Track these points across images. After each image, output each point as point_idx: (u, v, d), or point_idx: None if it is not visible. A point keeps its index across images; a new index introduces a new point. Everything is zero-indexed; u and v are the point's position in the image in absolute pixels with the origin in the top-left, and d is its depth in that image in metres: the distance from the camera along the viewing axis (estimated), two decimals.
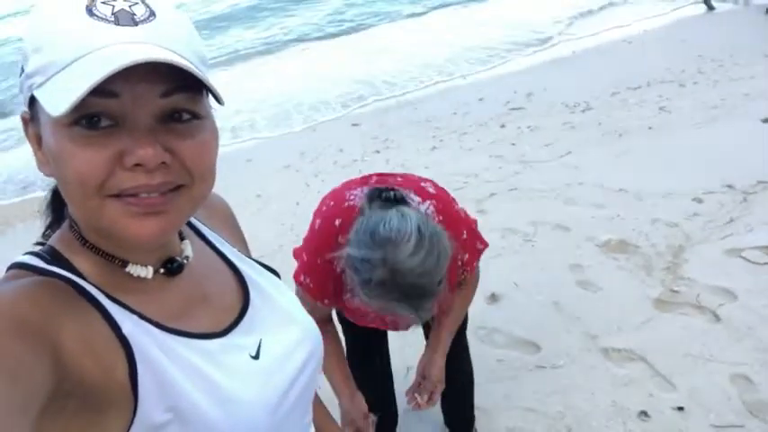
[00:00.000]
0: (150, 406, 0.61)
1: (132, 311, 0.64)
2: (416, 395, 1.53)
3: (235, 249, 0.82)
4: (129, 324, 0.63)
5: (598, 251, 3.06)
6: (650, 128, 4.39)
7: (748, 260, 2.79)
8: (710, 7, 6.71)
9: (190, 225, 0.80)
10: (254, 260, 0.84)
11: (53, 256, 0.65)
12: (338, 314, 1.72)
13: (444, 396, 2.00)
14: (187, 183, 0.61)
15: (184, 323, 0.68)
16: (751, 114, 4.24)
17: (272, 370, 0.72)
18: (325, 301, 1.43)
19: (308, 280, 1.41)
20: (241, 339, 0.72)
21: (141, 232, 0.59)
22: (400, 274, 1.08)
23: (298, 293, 1.41)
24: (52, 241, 0.67)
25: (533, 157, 4.20)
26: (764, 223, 3.02)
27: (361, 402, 1.54)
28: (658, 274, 2.83)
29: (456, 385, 1.92)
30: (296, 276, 1.43)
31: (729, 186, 3.42)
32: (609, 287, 2.80)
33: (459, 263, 1.43)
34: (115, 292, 0.65)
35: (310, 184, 4.40)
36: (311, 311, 1.39)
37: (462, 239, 1.39)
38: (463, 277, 1.49)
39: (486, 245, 1.52)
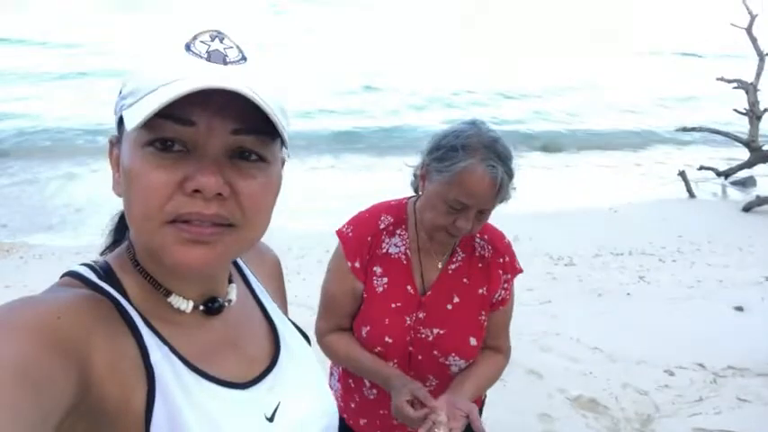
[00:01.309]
0: None
1: (164, 342, 0.64)
2: (435, 429, 1.26)
3: (275, 305, 0.82)
4: (159, 354, 0.63)
5: (568, 405, 3.04)
6: (628, 294, 4.51)
7: None
8: (692, 195, 7.14)
9: (239, 269, 0.80)
10: (290, 320, 0.84)
11: (106, 272, 0.66)
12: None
13: None
14: (239, 223, 0.62)
15: (210, 366, 0.68)
16: (724, 300, 4.39)
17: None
18: (356, 264, 1.42)
19: (349, 229, 1.46)
20: (261, 396, 0.70)
21: (185, 259, 0.60)
22: (485, 133, 1.31)
23: (332, 259, 1.48)
24: (109, 258, 0.68)
25: (516, 298, 4.25)
26: (733, 408, 3.03)
27: (410, 380, 1.38)
28: None
29: None
30: (338, 230, 1.48)
31: (700, 365, 3.47)
32: None
33: (501, 260, 1.45)
34: (153, 320, 0.65)
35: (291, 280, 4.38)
36: (334, 297, 1.45)
37: (504, 243, 1.49)
38: (501, 297, 1.46)
39: (521, 270, 1.50)
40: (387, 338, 1.41)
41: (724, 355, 3.55)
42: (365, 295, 1.45)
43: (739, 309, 4.25)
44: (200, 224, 0.60)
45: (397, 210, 1.49)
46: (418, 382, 1.37)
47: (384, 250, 1.45)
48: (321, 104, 10.10)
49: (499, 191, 1.30)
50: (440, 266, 1.46)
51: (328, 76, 11.81)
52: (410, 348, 1.42)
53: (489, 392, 3.06)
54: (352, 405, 1.56)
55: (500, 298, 1.48)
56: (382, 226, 1.46)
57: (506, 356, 1.57)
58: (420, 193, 1.41)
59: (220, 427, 0.64)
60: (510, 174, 1.32)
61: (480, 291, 1.45)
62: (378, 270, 1.44)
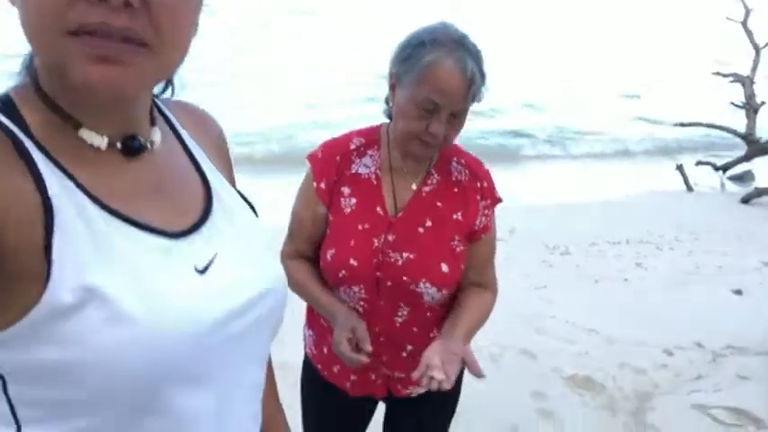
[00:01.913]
0: (62, 282, 0.53)
1: (70, 178, 0.56)
2: (430, 373, 1.18)
3: (212, 166, 0.74)
4: (58, 187, 0.55)
5: (563, 383, 2.94)
6: (626, 279, 4.42)
7: (716, 419, 2.68)
8: (690, 188, 7.06)
9: (167, 121, 0.72)
10: (237, 191, 0.76)
11: (5, 103, 0.58)
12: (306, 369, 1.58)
13: None
14: (153, 43, 0.54)
15: (127, 208, 0.60)
16: (723, 285, 4.30)
17: (215, 293, 0.63)
18: (322, 185, 1.36)
19: (318, 150, 1.41)
20: (190, 247, 0.63)
21: (91, 78, 0.52)
22: (452, 30, 1.25)
23: (302, 182, 1.42)
24: (11, 89, 0.60)
25: (507, 284, 4.16)
26: (733, 386, 2.94)
27: (355, 317, 1.32)
28: (623, 417, 2.70)
29: None
30: (309, 153, 1.43)
31: (699, 345, 3.38)
32: (571, 421, 2.65)
33: (478, 185, 1.39)
34: (58, 155, 0.57)
35: None
36: (298, 219, 1.40)
37: (483, 169, 1.43)
38: (482, 225, 1.38)
39: (500, 199, 1.43)
40: (352, 261, 1.32)
41: (723, 335, 3.46)
42: (331, 218, 1.37)
43: (738, 292, 4.16)
44: (108, 38, 0.52)
45: (369, 132, 1.42)
46: (363, 322, 1.30)
47: (353, 170, 1.38)
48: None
49: (470, 86, 1.23)
50: (413, 188, 1.38)
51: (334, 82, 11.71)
52: (378, 273, 1.33)
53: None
54: (325, 351, 1.48)
55: (481, 226, 1.40)
56: (353, 147, 1.40)
57: (493, 293, 1.49)
58: (391, 105, 1.34)
59: (136, 264, 0.57)
60: (481, 72, 1.25)
61: (455, 216, 1.37)
62: (345, 191, 1.36)
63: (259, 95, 9.84)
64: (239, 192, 0.77)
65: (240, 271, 0.67)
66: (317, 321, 1.48)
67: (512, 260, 4.73)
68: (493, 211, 1.42)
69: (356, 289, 1.35)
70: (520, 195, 6.30)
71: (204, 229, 0.66)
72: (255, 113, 8.60)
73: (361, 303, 1.37)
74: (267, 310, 0.69)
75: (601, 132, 9.70)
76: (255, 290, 0.68)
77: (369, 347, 1.26)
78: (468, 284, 1.44)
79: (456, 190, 1.39)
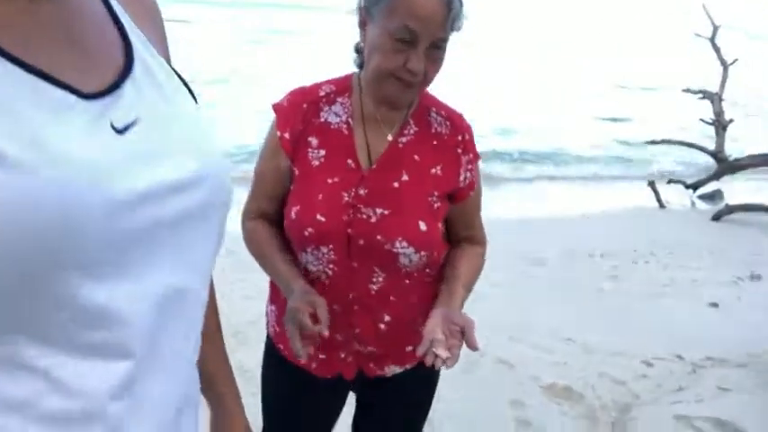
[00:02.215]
0: None
1: None
2: (434, 350, 1.09)
3: (136, 28, 0.62)
4: None
5: (541, 392, 2.81)
6: (601, 290, 4.34)
7: (699, 430, 2.57)
8: (662, 205, 7.08)
9: None
10: (176, 72, 0.65)
11: None
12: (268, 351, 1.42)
13: None
14: None
15: (28, 54, 0.49)
16: (698, 298, 4.25)
17: (135, 156, 0.53)
18: (286, 135, 1.22)
19: (284, 98, 1.28)
20: (104, 109, 0.53)
21: None
22: None
23: (266, 136, 1.28)
24: None
25: (481, 292, 4.04)
26: (715, 397, 2.84)
27: (315, 294, 1.17)
28: (603, 427, 2.58)
29: None
30: (274, 104, 1.29)
31: (679, 356, 3.28)
32: (550, 431, 2.51)
33: (459, 138, 1.27)
34: None
35: None
36: (260, 174, 1.27)
37: (465, 122, 1.31)
38: (467, 181, 1.28)
39: (479, 157, 1.32)
40: (319, 216, 1.18)
41: (702, 347, 3.37)
42: (296, 171, 1.23)
43: (714, 305, 4.11)
44: None
45: (340, 81, 1.29)
46: (321, 298, 1.14)
47: (322, 119, 1.24)
48: None
49: (449, 10, 1.11)
50: (389, 138, 1.24)
51: None
52: (349, 230, 1.19)
53: (455, 379, 2.82)
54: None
55: (467, 182, 1.28)
56: (322, 93, 1.27)
57: (484, 245, 1.40)
58: (363, 49, 1.21)
59: (29, 116, 0.47)
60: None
61: (433, 170, 1.24)
62: (313, 141, 1.22)
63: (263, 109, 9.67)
64: (178, 73, 0.65)
65: (169, 145, 0.57)
66: (280, 296, 1.33)
67: (488, 270, 4.62)
68: (477, 167, 1.31)
69: (325, 250, 1.20)
70: (496, 209, 6.25)
71: (124, 91, 0.55)
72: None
73: (331, 267, 1.22)
74: (203, 199, 0.59)
75: (574, 150, 9.74)
76: (188, 171, 0.57)
77: (326, 332, 1.11)
78: (457, 241, 1.34)
79: (435, 143, 1.26)
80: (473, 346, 1.13)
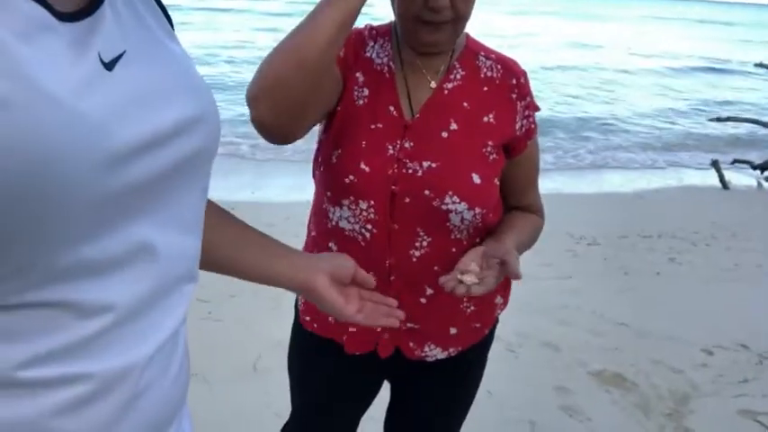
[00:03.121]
0: None
1: None
2: (459, 276, 0.96)
3: None
4: None
5: (589, 379, 2.61)
6: (658, 273, 4.07)
7: (766, 426, 2.33)
8: (725, 186, 6.65)
9: None
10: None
11: None
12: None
13: None
14: None
15: None
16: (764, 284, 3.94)
17: (130, 99, 0.48)
18: (341, 54, 1.05)
19: None
20: (87, 35, 0.47)
21: None
22: None
23: None
24: None
25: (529, 272, 3.84)
26: None
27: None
28: (658, 418, 2.37)
29: None
30: None
31: (743, 346, 3.02)
32: (598, 420, 2.33)
33: (513, 81, 1.11)
34: None
35: None
36: None
37: (518, 65, 1.14)
38: (524, 129, 1.12)
39: (539, 108, 1.15)
40: (362, 165, 1.03)
41: None
42: (339, 108, 1.07)
43: None
44: None
45: (381, 25, 1.15)
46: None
47: (368, 54, 1.10)
48: None
49: None
50: (432, 85, 1.09)
51: None
52: (393, 187, 1.04)
53: (498, 360, 2.67)
54: None
55: (523, 130, 1.12)
56: (367, 31, 1.13)
57: (542, 216, 1.25)
58: None
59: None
60: None
61: (486, 118, 1.08)
62: (360, 78, 1.08)
63: None
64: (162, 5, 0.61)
65: (162, 84, 0.52)
66: (315, 233, 1.20)
67: (536, 248, 4.40)
68: (534, 115, 1.14)
69: (364, 206, 1.05)
70: (546, 183, 5.98)
71: (103, 14, 0.50)
72: None
73: (369, 227, 1.07)
74: (197, 145, 0.55)
75: (633, 125, 9.29)
76: (184, 114, 0.53)
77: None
78: (510, 207, 1.20)
79: (486, 89, 1.10)
80: (514, 274, 0.98)
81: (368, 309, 0.90)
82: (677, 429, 2.30)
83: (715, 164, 6.77)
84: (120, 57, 0.50)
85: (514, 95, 1.10)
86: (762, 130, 7.34)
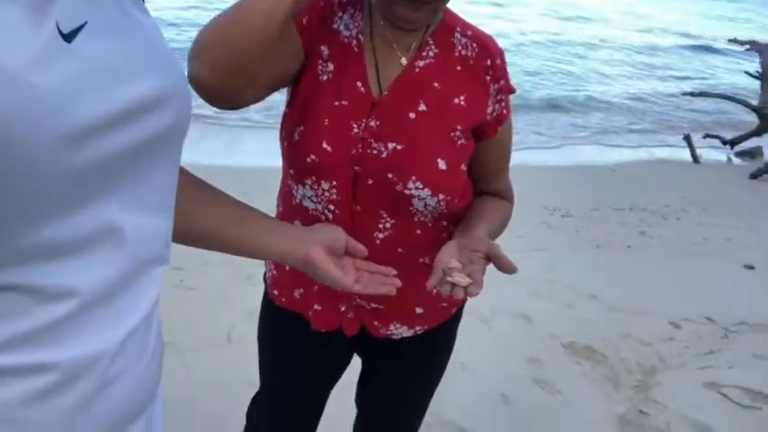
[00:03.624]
0: None
1: None
2: (449, 278, 0.92)
3: None
4: None
5: (561, 351, 2.65)
6: (629, 246, 4.13)
7: (729, 398, 2.40)
8: (696, 160, 6.75)
9: None
10: None
11: None
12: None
13: None
14: None
15: None
16: (733, 258, 4.02)
17: (91, 74, 0.45)
18: (304, 20, 0.98)
19: None
20: (42, 3, 0.43)
21: None
22: None
23: None
24: None
25: (502, 243, 3.86)
26: (748, 365, 2.66)
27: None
28: (626, 390, 2.42)
29: None
30: None
31: (709, 319, 3.09)
32: (569, 392, 2.37)
33: (488, 62, 1.05)
34: None
35: None
36: None
37: (495, 44, 1.08)
38: (496, 113, 1.06)
39: (514, 90, 1.10)
40: (325, 144, 0.98)
41: (734, 311, 3.17)
42: (302, 82, 1.02)
43: (750, 267, 3.88)
44: None
45: None
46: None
47: (335, 26, 1.03)
48: None
49: None
50: (403, 62, 1.03)
51: None
52: (357, 168, 1.00)
53: (471, 332, 2.67)
54: (287, 268, 1.16)
55: (494, 115, 1.06)
56: (337, 0, 1.04)
57: (511, 201, 1.20)
58: None
59: None
60: None
61: (456, 100, 1.03)
62: (324, 51, 1.01)
63: None
64: None
65: (128, 58, 0.49)
66: (283, 209, 1.16)
67: (510, 220, 4.43)
68: (508, 98, 1.09)
69: (326, 186, 1.01)
70: (521, 156, 5.99)
71: None
72: None
73: (331, 207, 1.03)
74: (167, 122, 0.52)
75: (608, 99, 9.34)
76: (152, 90, 0.50)
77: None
78: (479, 192, 1.15)
79: (459, 68, 1.04)
80: (509, 269, 0.94)
81: (365, 278, 0.92)
82: (644, 401, 2.35)
83: (687, 138, 6.86)
84: (80, 28, 0.46)
85: (488, 77, 1.05)
86: (733, 107, 7.43)
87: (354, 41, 1.02)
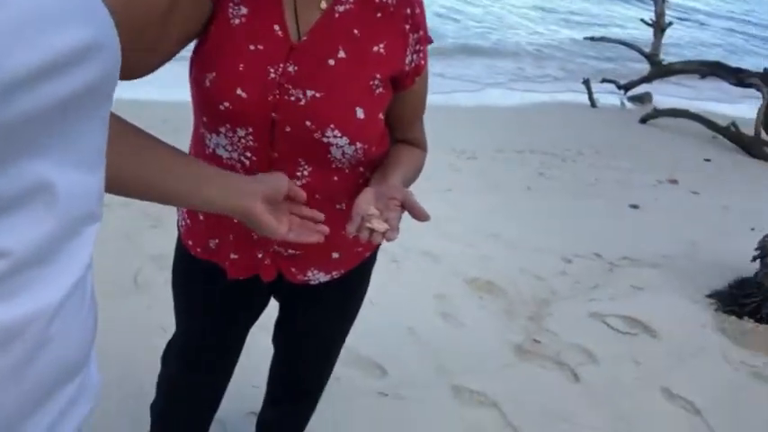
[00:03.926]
0: None
1: None
2: (368, 225, 0.97)
3: None
4: None
5: (464, 286, 2.82)
6: (528, 188, 4.36)
7: (611, 326, 2.66)
8: (593, 104, 7.11)
9: None
10: None
11: None
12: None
13: (276, 407, 1.56)
14: None
15: None
16: (620, 198, 4.35)
17: (18, 24, 0.42)
18: None
19: None
20: None
21: None
22: None
23: None
24: None
25: (413, 185, 3.97)
26: (628, 295, 2.94)
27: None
28: (521, 321, 2.62)
29: (302, 388, 1.50)
30: None
31: (597, 255, 3.37)
32: (471, 324, 2.54)
33: (408, 11, 1.05)
34: None
35: None
36: None
37: None
38: (413, 64, 1.08)
39: (431, 40, 1.12)
40: (239, 91, 0.97)
41: (619, 247, 3.47)
42: (212, 27, 0.99)
43: (635, 207, 4.22)
44: None
45: None
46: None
47: None
48: None
49: None
50: (323, 6, 1.01)
51: None
52: (273, 114, 1.00)
53: (380, 271, 2.78)
54: (201, 218, 1.16)
55: (412, 65, 1.08)
56: None
57: (424, 150, 1.24)
58: None
59: None
60: None
61: (375, 48, 1.04)
62: None
63: None
64: None
65: (50, 6, 0.45)
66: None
67: None
68: (426, 49, 1.11)
69: (242, 133, 1.00)
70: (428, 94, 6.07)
71: None
72: None
73: (248, 155, 1.03)
74: (96, 74, 0.49)
75: (511, 41, 9.54)
76: (81, 40, 0.46)
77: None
78: (394, 140, 1.17)
79: (379, 15, 1.04)
80: (422, 216, 1.01)
81: (295, 226, 0.95)
82: (537, 330, 2.56)
83: (586, 82, 7.18)
84: None
85: (408, 26, 1.05)
86: (631, 53, 7.82)
87: None
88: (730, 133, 6.24)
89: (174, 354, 1.42)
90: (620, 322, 2.70)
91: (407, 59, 1.07)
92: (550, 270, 3.12)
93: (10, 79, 0.41)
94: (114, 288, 2.39)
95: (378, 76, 1.04)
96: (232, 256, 1.15)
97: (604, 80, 7.55)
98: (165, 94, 4.31)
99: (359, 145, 1.03)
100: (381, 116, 1.07)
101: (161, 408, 1.49)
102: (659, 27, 7.27)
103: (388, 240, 0.98)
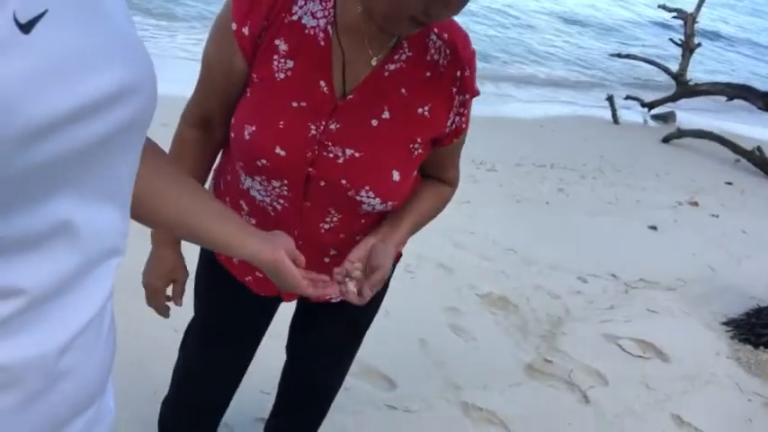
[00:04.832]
0: None
1: None
2: (347, 279, 1.01)
3: None
4: None
5: (477, 301, 2.81)
6: (547, 203, 4.33)
7: (623, 349, 2.65)
8: (616, 121, 7.06)
9: None
10: None
11: None
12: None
13: (285, 414, 1.57)
14: None
15: None
16: (639, 219, 4.31)
17: (50, 68, 0.41)
18: (245, 30, 0.95)
19: None
20: None
21: None
22: None
23: (218, 16, 0.99)
24: None
25: None
26: (642, 318, 2.92)
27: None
28: (534, 339, 2.61)
29: (312, 398, 1.51)
30: None
31: (613, 276, 3.34)
32: (483, 339, 2.53)
33: (458, 73, 1.03)
34: None
35: None
36: (209, 68, 1.01)
37: (469, 51, 1.05)
38: (454, 126, 1.06)
39: (478, 93, 1.10)
40: (278, 149, 0.97)
41: (636, 269, 3.44)
42: (255, 78, 0.98)
43: (653, 228, 4.18)
44: None
45: None
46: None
47: (295, 17, 0.95)
48: None
49: None
50: (373, 63, 0.98)
51: None
52: (310, 169, 1.00)
53: (397, 282, 2.79)
54: None
55: (453, 128, 1.06)
56: None
57: (453, 186, 1.23)
58: None
59: None
60: None
61: (420, 110, 1.01)
62: (282, 47, 0.96)
63: None
64: None
65: (91, 49, 0.45)
66: (224, 188, 1.17)
67: None
68: (469, 110, 1.08)
69: (277, 184, 1.01)
70: None
71: None
72: None
73: (281, 202, 1.05)
74: (129, 116, 0.49)
75: (536, 54, 9.51)
76: (115, 84, 0.46)
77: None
78: (426, 176, 1.17)
79: (429, 74, 1.01)
80: (360, 298, 1.02)
81: (311, 283, 0.99)
82: (549, 350, 2.55)
83: (610, 99, 7.13)
84: (40, 17, 0.42)
85: (455, 89, 1.03)
86: (658, 72, 7.76)
87: (321, 34, 0.96)
88: (755, 157, 6.16)
89: (191, 332, 1.43)
90: (634, 345, 2.68)
91: (449, 122, 1.05)
92: (565, 289, 3.10)
93: (36, 127, 0.41)
94: (127, 288, 2.41)
95: (419, 139, 1.02)
96: (257, 274, 1.17)
97: (628, 97, 7.50)
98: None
99: (390, 204, 1.04)
100: (415, 173, 1.07)
101: (176, 402, 1.49)
102: (688, 47, 7.20)
103: (352, 302, 1.02)
